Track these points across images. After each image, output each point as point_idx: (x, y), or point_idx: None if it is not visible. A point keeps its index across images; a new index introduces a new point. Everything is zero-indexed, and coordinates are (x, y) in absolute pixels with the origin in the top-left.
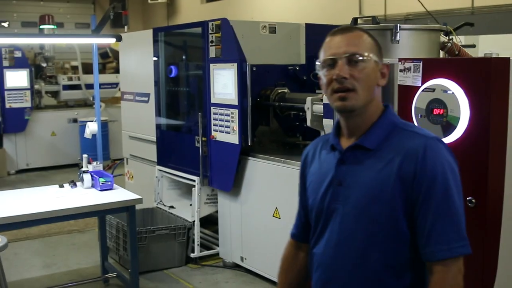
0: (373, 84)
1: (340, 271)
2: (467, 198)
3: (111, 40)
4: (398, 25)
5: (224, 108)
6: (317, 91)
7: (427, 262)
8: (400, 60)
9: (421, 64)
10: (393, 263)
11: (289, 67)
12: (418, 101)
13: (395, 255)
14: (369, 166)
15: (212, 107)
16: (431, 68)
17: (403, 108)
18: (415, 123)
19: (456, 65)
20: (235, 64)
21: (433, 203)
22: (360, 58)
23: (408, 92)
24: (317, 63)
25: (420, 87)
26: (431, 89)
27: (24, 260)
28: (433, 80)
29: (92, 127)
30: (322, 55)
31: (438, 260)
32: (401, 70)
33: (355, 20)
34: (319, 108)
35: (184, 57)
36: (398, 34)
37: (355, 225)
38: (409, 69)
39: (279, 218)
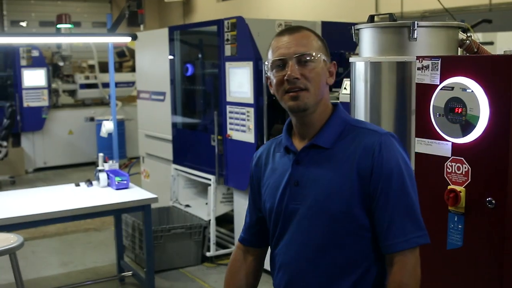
0: (323, 83)
1: (303, 271)
2: (487, 199)
3: (126, 39)
4: (416, 22)
5: (239, 107)
6: (333, 89)
7: (387, 255)
8: (417, 58)
9: (439, 62)
10: (356, 259)
11: None
12: (436, 99)
13: (357, 251)
14: (325, 165)
15: (227, 106)
16: (449, 66)
17: (420, 107)
18: (433, 122)
19: (475, 62)
20: (251, 63)
21: (390, 197)
22: (310, 58)
23: (426, 90)
24: (265, 63)
25: (438, 85)
26: (450, 88)
27: (41, 258)
28: (452, 78)
29: (108, 126)
30: (271, 55)
31: (397, 251)
32: (418, 68)
33: (371, 17)
34: None
35: (200, 55)
36: (415, 31)
37: (315, 224)
38: (427, 67)
39: None
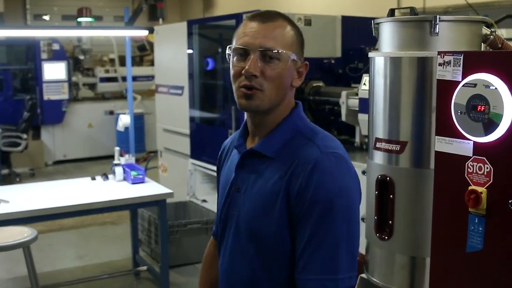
0: (286, 84)
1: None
2: (509, 201)
3: (143, 32)
4: (437, 16)
5: None
6: (352, 85)
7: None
8: (439, 53)
9: (461, 57)
10: (283, 281)
11: (325, 60)
12: (458, 97)
13: (284, 277)
14: (264, 176)
15: None
16: (472, 62)
17: (442, 104)
18: (455, 120)
19: (499, 58)
20: None
21: (309, 226)
22: (276, 55)
23: (447, 87)
24: (228, 47)
25: (460, 82)
26: (472, 84)
27: (57, 250)
28: (475, 75)
29: (124, 120)
30: (235, 41)
31: None
32: (440, 64)
33: (391, 11)
34: (354, 102)
35: (219, 49)
36: (437, 25)
37: (246, 240)
38: (448, 62)
39: None
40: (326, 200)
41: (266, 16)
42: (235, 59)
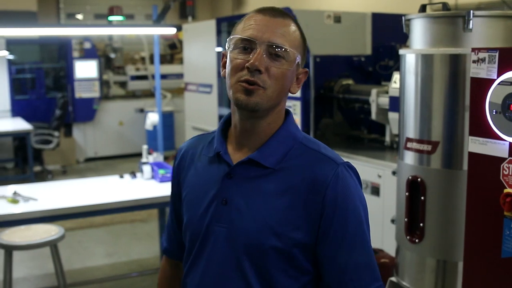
0: (286, 88)
1: None
2: None
3: (170, 30)
4: (471, 11)
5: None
6: (383, 83)
7: None
8: (473, 50)
9: (497, 54)
10: None
11: (354, 58)
12: (493, 95)
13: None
14: (265, 189)
15: None
16: (508, 59)
17: (475, 103)
18: (489, 120)
19: None
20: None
21: (344, 244)
22: (284, 53)
23: (482, 85)
24: (230, 38)
25: (495, 80)
26: (508, 82)
27: (87, 248)
28: (511, 72)
29: (152, 118)
30: (240, 31)
31: None
32: (474, 61)
33: (423, 7)
34: (384, 101)
35: None
36: (471, 21)
37: (241, 256)
38: (483, 59)
39: None
40: (355, 213)
41: (276, 12)
42: (237, 51)
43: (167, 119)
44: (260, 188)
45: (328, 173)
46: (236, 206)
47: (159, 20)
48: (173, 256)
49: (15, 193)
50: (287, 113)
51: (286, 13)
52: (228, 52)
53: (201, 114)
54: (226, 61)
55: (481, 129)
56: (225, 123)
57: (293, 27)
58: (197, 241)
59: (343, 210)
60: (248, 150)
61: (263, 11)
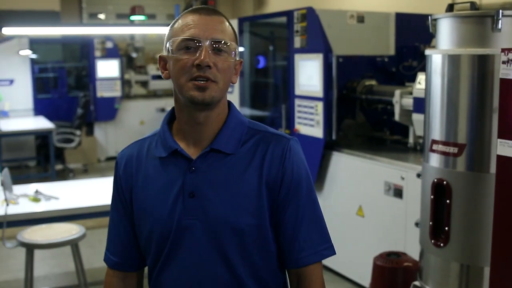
0: (230, 78)
1: None
2: None
3: None
4: (500, 10)
5: (308, 100)
6: (406, 83)
7: (292, 269)
8: (503, 50)
9: None
10: (262, 276)
11: (378, 58)
12: None
13: (264, 267)
14: (227, 173)
15: (296, 99)
16: None
17: (505, 105)
18: None
19: None
20: (321, 55)
21: (299, 207)
22: (225, 47)
23: (511, 86)
24: (169, 42)
25: None
26: None
27: None
28: None
29: None
30: (179, 33)
31: (307, 265)
32: (503, 62)
33: (450, 6)
34: (408, 102)
35: (271, 47)
36: (499, 21)
37: (222, 241)
38: None
39: (363, 217)
40: (307, 181)
41: (210, 10)
42: (180, 52)
43: None
44: (224, 174)
45: (282, 147)
46: (206, 196)
47: None
48: (123, 267)
49: (36, 191)
50: (230, 104)
51: (217, 11)
52: (170, 54)
53: None
54: (165, 64)
55: (511, 132)
56: (169, 123)
57: (227, 23)
58: (168, 239)
59: (298, 176)
60: (201, 142)
61: (197, 10)
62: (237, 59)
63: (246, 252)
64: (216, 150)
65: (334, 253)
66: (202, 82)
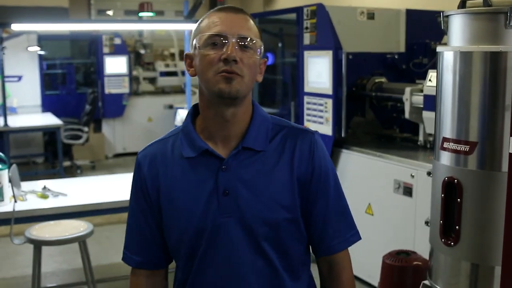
0: (255, 76)
1: (245, 285)
2: None
3: None
4: None
5: (317, 98)
6: (417, 81)
7: (322, 258)
8: None
9: None
10: (294, 266)
11: (388, 55)
12: None
13: (296, 258)
14: (258, 170)
15: (305, 96)
16: None
17: None
18: None
19: None
20: (330, 52)
21: (328, 200)
22: (252, 44)
23: None
24: (196, 38)
25: None
26: None
27: (115, 244)
28: None
29: (183, 115)
30: (206, 29)
31: (336, 253)
32: None
33: (463, 2)
34: (418, 99)
35: (280, 44)
36: None
37: (258, 236)
38: None
39: (372, 215)
40: (333, 173)
41: (236, 9)
42: (207, 48)
43: None
44: (256, 171)
45: (309, 142)
46: (240, 194)
47: (190, 16)
48: (150, 265)
49: (44, 188)
50: (254, 101)
51: (243, 10)
52: (196, 51)
53: None
54: (191, 62)
55: None
56: (191, 118)
57: (252, 21)
58: (203, 238)
59: (326, 170)
60: (229, 140)
61: (224, 9)
62: (261, 58)
63: (282, 246)
64: (247, 148)
65: (360, 238)
66: (229, 74)
